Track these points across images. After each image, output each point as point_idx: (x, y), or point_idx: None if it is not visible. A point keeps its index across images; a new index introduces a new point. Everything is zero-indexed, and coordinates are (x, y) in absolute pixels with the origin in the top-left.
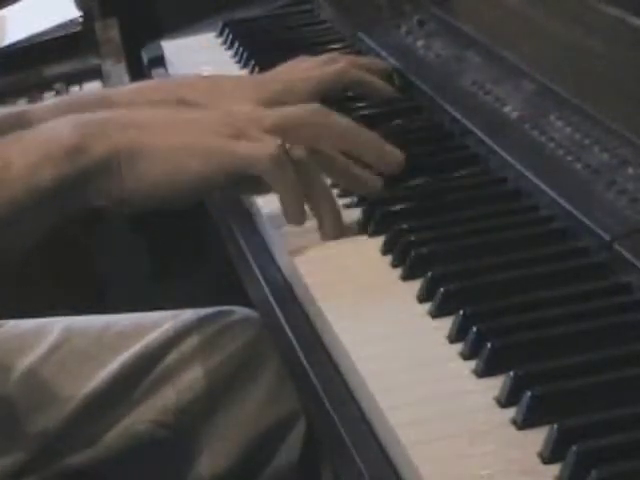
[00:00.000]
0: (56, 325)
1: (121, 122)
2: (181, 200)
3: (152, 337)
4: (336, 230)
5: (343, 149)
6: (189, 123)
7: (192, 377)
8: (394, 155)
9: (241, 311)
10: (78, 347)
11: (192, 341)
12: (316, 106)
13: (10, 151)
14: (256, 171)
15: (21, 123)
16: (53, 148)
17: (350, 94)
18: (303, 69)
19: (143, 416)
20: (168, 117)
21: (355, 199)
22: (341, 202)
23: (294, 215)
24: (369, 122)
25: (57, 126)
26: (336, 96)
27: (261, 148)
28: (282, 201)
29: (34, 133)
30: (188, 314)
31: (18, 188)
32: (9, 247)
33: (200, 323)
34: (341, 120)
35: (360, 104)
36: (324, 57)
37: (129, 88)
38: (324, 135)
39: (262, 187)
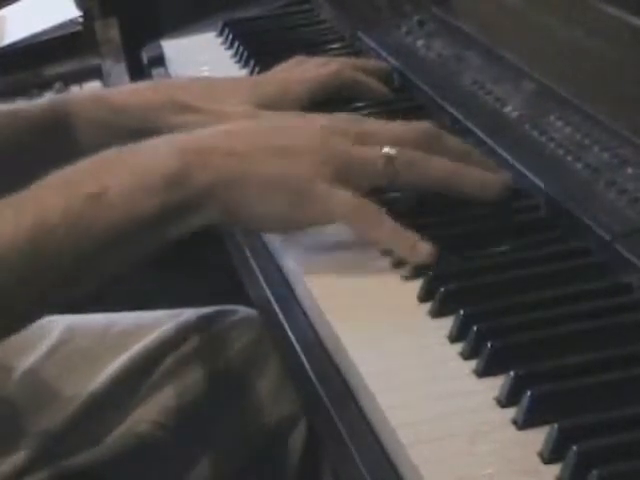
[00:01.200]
0: (57, 324)
1: (222, 150)
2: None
3: (153, 337)
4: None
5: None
6: (291, 152)
7: (193, 378)
8: (496, 181)
9: (243, 311)
10: (79, 347)
11: (193, 342)
12: (426, 127)
13: (107, 177)
14: (351, 227)
15: (16, 123)
16: (152, 178)
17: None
18: (298, 71)
19: (144, 417)
20: (269, 144)
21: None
22: None
23: (407, 251)
24: None
25: (155, 151)
26: (337, 97)
27: (357, 206)
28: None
29: (131, 157)
30: (189, 313)
31: (116, 217)
32: (107, 272)
33: (201, 323)
34: (454, 143)
35: (360, 104)
36: (319, 59)
37: (125, 89)
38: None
39: None
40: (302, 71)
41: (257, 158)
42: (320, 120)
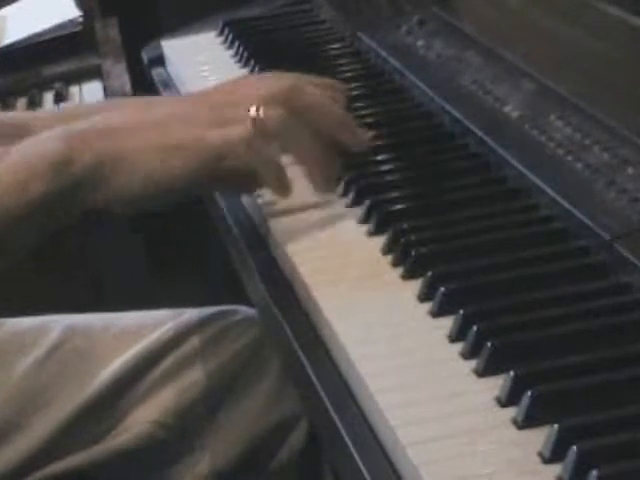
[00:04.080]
0: (57, 324)
1: (100, 130)
2: (171, 199)
3: (153, 337)
4: (328, 181)
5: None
6: (161, 122)
7: (193, 378)
8: (362, 135)
9: (244, 311)
10: (79, 346)
11: (194, 342)
12: (293, 79)
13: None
14: (233, 159)
15: (21, 134)
16: (39, 163)
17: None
18: (250, 85)
19: (144, 417)
20: (142, 119)
21: (354, 197)
22: (342, 201)
23: (280, 192)
24: (369, 123)
25: (41, 140)
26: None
27: (233, 134)
28: (265, 181)
29: (20, 148)
30: (190, 314)
31: (8, 204)
32: (4, 255)
33: (202, 323)
34: (315, 98)
35: (360, 104)
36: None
37: (51, 114)
38: (301, 116)
39: (251, 182)
40: (250, 85)
41: (128, 133)
42: (192, 96)
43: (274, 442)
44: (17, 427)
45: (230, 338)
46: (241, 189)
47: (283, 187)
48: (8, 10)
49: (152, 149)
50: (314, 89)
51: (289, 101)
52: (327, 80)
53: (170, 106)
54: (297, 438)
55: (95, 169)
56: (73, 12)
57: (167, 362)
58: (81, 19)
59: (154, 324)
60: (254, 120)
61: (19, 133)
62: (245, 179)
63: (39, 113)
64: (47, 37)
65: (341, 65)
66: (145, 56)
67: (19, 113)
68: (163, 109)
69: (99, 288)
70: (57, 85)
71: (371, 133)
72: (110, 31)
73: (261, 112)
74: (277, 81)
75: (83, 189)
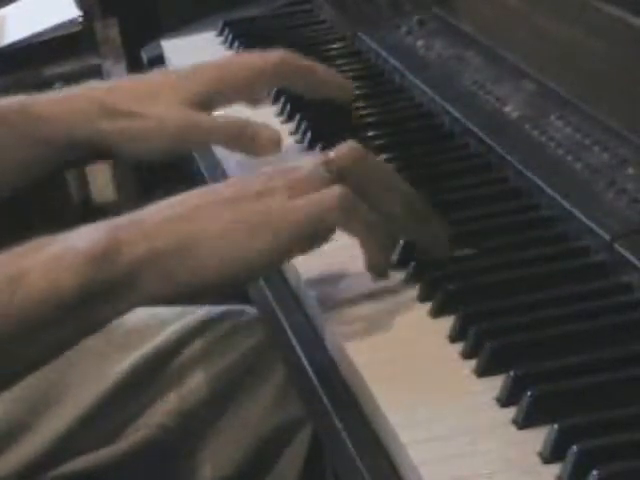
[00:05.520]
0: None
1: (160, 219)
2: (244, 283)
3: (160, 338)
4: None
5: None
6: (235, 200)
7: (197, 381)
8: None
9: (250, 311)
10: (87, 344)
11: (198, 344)
12: (352, 146)
13: (30, 259)
14: (329, 225)
15: (27, 120)
16: (74, 256)
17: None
18: (236, 59)
19: (149, 420)
20: (209, 200)
21: None
22: None
23: (375, 261)
24: (369, 123)
25: (83, 231)
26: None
27: (325, 200)
28: (363, 245)
29: (58, 240)
30: (197, 314)
31: (35, 299)
32: (28, 359)
33: (207, 325)
34: (380, 165)
35: (359, 104)
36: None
37: (52, 97)
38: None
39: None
40: (243, 57)
41: (197, 216)
42: (252, 177)
43: (278, 445)
44: (25, 428)
45: (235, 341)
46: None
47: (379, 252)
48: (8, 10)
49: (232, 229)
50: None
51: (280, 72)
52: (337, 77)
53: (232, 182)
54: (301, 442)
55: (151, 263)
56: (73, 12)
57: (173, 364)
58: (81, 19)
59: (161, 323)
60: (326, 162)
61: (25, 119)
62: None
63: (35, 96)
64: (47, 37)
65: (341, 65)
66: (145, 56)
67: (14, 98)
68: (225, 187)
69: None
70: (57, 85)
71: (373, 132)
72: (110, 31)
73: (331, 154)
74: (264, 57)
75: (132, 287)
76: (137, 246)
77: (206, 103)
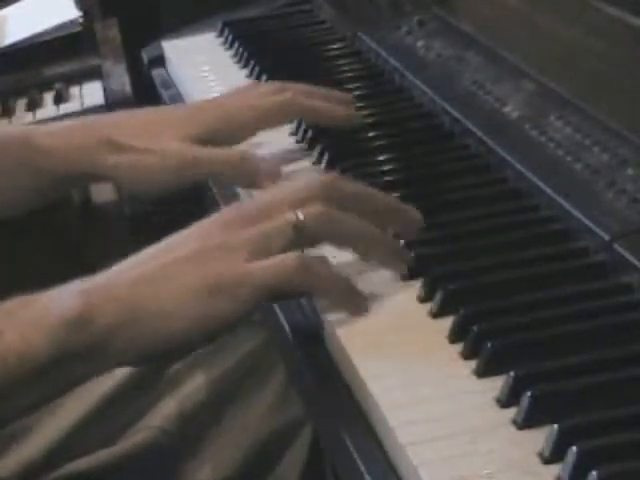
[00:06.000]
0: None
1: (125, 280)
2: (214, 337)
3: None
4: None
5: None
6: (196, 259)
7: (197, 384)
8: (413, 214)
9: None
10: None
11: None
12: (325, 176)
13: (4, 321)
14: (289, 289)
15: (28, 151)
16: (50, 319)
17: None
18: (246, 97)
19: (148, 422)
20: (172, 258)
21: None
22: None
23: (354, 308)
24: (369, 123)
25: (59, 294)
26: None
27: (284, 264)
28: (331, 301)
29: (33, 302)
30: None
31: (10, 361)
32: (8, 415)
33: None
34: (354, 186)
35: (359, 104)
36: (275, 84)
37: (55, 129)
38: (343, 207)
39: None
40: (249, 97)
41: (160, 278)
42: (218, 217)
43: (278, 448)
44: (25, 430)
45: (234, 343)
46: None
47: (356, 305)
48: (8, 10)
49: (193, 293)
50: (346, 180)
51: (327, 197)
52: (340, 111)
53: (197, 233)
54: (301, 444)
55: (122, 326)
56: (73, 12)
57: (171, 368)
58: (81, 19)
59: None
60: (295, 226)
61: (25, 150)
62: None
63: (38, 127)
64: (47, 37)
65: (341, 65)
66: (145, 56)
67: (17, 127)
68: (190, 240)
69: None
70: (57, 85)
71: (373, 133)
72: (110, 31)
73: (300, 215)
74: (307, 182)
75: (105, 349)
76: (107, 312)
77: (209, 142)
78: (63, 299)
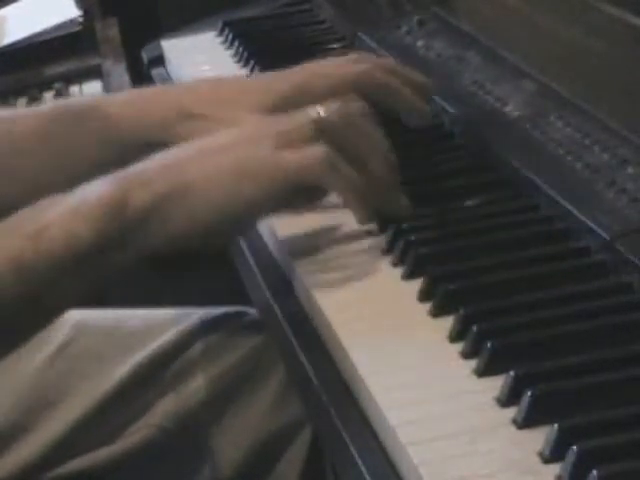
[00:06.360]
0: (66, 321)
1: (158, 166)
2: (240, 228)
3: (161, 339)
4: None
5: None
6: (227, 147)
7: (197, 383)
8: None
9: (251, 313)
10: (88, 345)
11: (198, 347)
12: (339, 106)
13: (46, 216)
14: (311, 181)
15: (15, 129)
16: (89, 206)
17: None
18: (321, 66)
19: (148, 421)
20: (203, 147)
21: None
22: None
23: (362, 216)
24: None
25: (93, 184)
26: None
27: (311, 156)
28: (346, 203)
29: (71, 195)
30: (195, 316)
31: (57, 251)
32: (57, 305)
33: (207, 327)
34: (367, 128)
35: None
36: (352, 55)
37: (125, 98)
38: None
39: (317, 194)
40: (325, 66)
41: (191, 163)
42: (249, 124)
43: (278, 447)
44: (25, 429)
45: (235, 343)
46: (309, 202)
47: (364, 208)
48: (8, 10)
49: (222, 176)
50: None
51: (361, 84)
52: (412, 73)
53: (229, 130)
54: (300, 444)
55: (155, 209)
56: (73, 12)
57: (174, 366)
58: (81, 19)
59: (162, 325)
60: (315, 121)
61: (91, 116)
62: (314, 193)
63: (107, 96)
64: (47, 37)
65: None
66: (145, 56)
67: (89, 98)
68: (221, 135)
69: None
70: (57, 85)
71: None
72: (110, 31)
73: (322, 112)
74: (347, 67)
75: (140, 233)
76: (140, 195)
77: (284, 109)
78: (98, 188)
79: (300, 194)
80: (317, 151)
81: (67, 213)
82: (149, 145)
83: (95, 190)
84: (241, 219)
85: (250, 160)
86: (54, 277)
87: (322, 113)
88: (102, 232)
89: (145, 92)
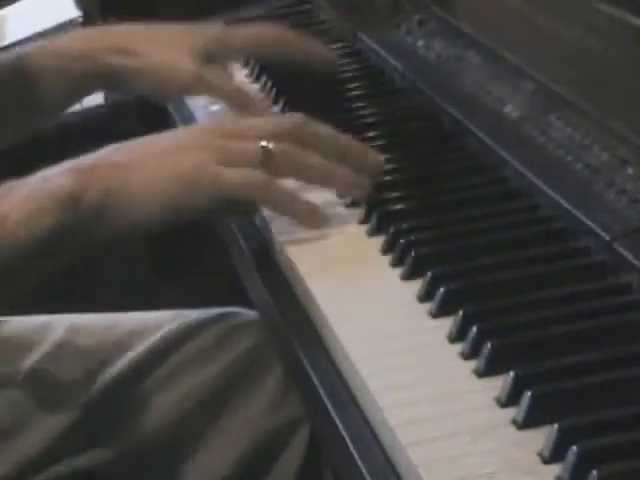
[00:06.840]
0: (61, 323)
1: (108, 164)
2: (176, 223)
3: (154, 340)
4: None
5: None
6: (172, 151)
7: (194, 382)
8: (374, 157)
9: (245, 313)
10: (83, 346)
11: (194, 345)
12: (297, 117)
13: (5, 205)
14: (244, 198)
15: (21, 76)
16: (47, 199)
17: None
18: (242, 26)
19: (145, 420)
20: (150, 149)
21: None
22: (341, 201)
23: (306, 222)
24: (368, 123)
25: (49, 174)
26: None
27: (250, 176)
28: (284, 215)
29: (27, 184)
30: (192, 315)
31: (17, 240)
32: (13, 287)
33: (203, 326)
34: (322, 129)
35: (360, 104)
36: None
37: (70, 35)
38: (309, 146)
39: (252, 206)
40: (251, 27)
41: (136, 165)
42: (199, 125)
43: (275, 447)
44: (20, 426)
45: (231, 342)
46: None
47: (314, 220)
48: (8, 10)
49: (160, 180)
50: (315, 122)
51: (295, 134)
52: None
53: (178, 134)
54: (298, 443)
55: (105, 206)
56: (73, 12)
57: (169, 364)
58: (81, 19)
59: (157, 325)
60: (265, 151)
61: (19, 75)
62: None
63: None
64: (47, 37)
65: (341, 65)
66: None
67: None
68: (170, 138)
69: (98, 288)
70: None
71: (373, 133)
72: None
73: (271, 145)
74: (281, 118)
75: (92, 224)
76: (93, 193)
77: (207, 57)
78: (54, 179)
79: (237, 204)
80: (258, 172)
81: (27, 201)
82: (96, 75)
83: (53, 181)
84: (178, 221)
85: (190, 169)
86: (18, 260)
87: (271, 146)
88: (59, 224)
89: (89, 30)
